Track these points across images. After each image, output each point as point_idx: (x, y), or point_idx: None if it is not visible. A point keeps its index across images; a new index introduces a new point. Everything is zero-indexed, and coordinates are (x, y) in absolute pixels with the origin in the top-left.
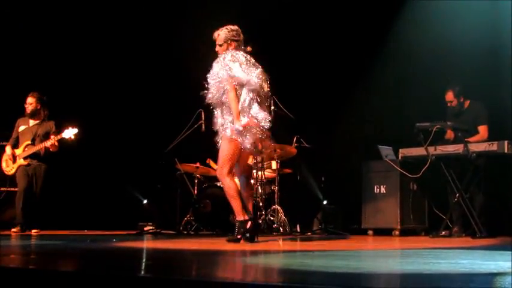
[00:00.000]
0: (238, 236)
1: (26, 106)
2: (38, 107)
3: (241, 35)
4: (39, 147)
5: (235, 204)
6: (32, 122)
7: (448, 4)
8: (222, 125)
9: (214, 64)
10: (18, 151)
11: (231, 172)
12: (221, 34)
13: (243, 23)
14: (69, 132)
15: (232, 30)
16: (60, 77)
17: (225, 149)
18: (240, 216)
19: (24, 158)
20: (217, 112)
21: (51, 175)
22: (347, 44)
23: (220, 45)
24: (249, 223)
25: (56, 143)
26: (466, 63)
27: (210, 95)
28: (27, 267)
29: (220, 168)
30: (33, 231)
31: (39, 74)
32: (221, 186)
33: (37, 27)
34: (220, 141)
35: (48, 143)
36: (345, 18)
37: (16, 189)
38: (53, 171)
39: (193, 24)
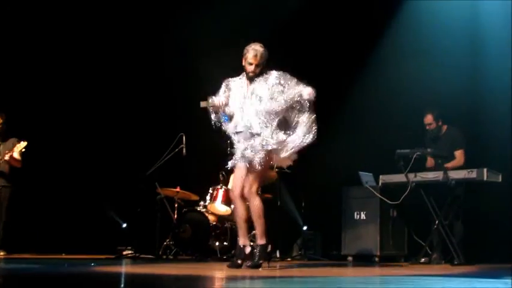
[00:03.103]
0: (260, 261)
1: None
2: (5, 128)
3: None
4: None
5: (261, 226)
6: None
7: (426, 31)
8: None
9: (276, 77)
10: None
11: (258, 191)
12: (263, 53)
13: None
14: (19, 147)
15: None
16: (39, 97)
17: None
18: (262, 240)
19: None
20: (250, 125)
21: (29, 197)
22: (326, 69)
23: (258, 66)
24: (269, 247)
25: (17, 157)
26: (445, 90)
27: (279, 104)
28: None
29: (251, 185)
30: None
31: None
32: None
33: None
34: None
35: (5, 158)
36: (323, 43)
37: None
38: (31, 193)
39: (172, 43)
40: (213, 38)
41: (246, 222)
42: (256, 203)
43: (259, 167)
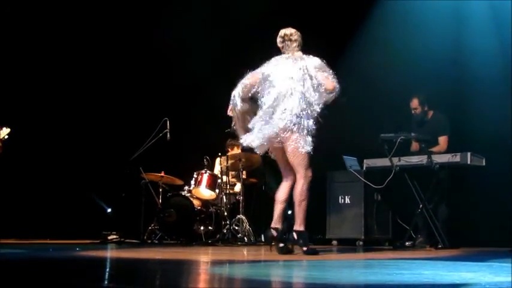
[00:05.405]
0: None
1: None
2: None
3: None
4: None
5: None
6: None
7: (411, 17)
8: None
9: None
10: None
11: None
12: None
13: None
14: (2, 133)
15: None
16: (23, 82)
17: None
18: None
19: None
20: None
21: (14, 181)
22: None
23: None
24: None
25: None
26: (430, 75)
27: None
28: None
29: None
30: None
31: None
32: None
33: None
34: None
35: None
36: (311, 27)
37: None
38: (15, 178)
39: (156, 28)
40: (196, 23)
41: (297, 207)
42: None
43: None
